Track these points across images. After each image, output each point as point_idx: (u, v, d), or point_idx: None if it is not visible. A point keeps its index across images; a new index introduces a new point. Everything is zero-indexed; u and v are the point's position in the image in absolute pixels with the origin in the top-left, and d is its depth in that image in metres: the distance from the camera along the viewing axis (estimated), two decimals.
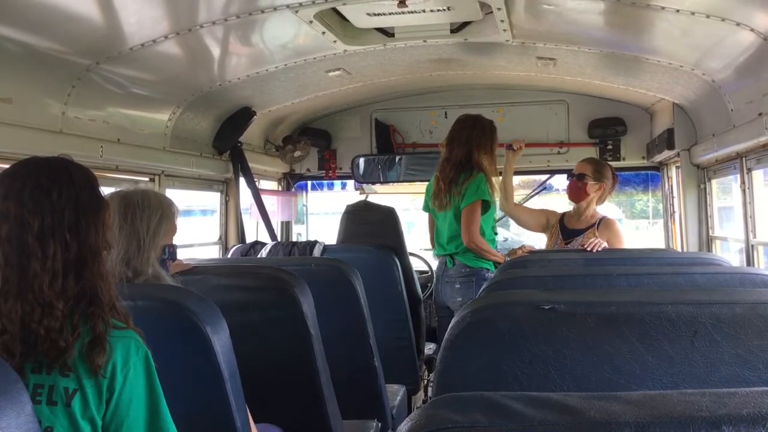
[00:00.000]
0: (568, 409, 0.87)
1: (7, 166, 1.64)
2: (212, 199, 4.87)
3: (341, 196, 7.58)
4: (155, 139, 3.81)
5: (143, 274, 2.06)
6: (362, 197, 5.72)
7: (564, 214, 4.43)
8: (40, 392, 1.47)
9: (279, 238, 5.38)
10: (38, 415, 1.37)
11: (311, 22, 3.18)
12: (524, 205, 5.00)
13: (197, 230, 5.39)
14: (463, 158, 4.07)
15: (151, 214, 2.13)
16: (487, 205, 4.03)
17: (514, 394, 0.92)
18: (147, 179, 3.84)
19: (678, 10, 2.82)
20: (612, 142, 5.30)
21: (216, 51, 3.56)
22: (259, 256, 4.21)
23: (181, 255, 3.93)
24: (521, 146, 4.47)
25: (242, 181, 4.83)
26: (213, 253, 4.79)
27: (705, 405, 0.85)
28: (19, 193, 1.52)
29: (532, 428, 0.84)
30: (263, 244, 4.43)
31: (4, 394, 1.20)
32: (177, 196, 4.37)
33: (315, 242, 4.23)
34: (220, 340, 1.80)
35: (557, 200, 6.19)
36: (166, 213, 2.19)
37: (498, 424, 0.86)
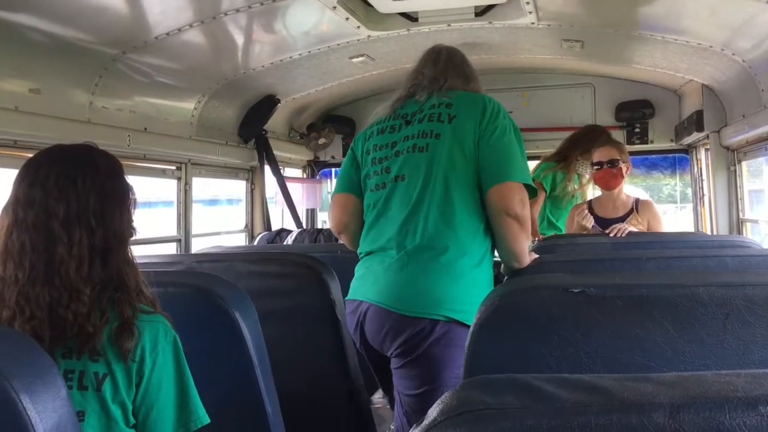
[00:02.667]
0: (601, 390, 0.86)
1: None
2: (238, 187, 4.90)
3: None
4: (181, 128, 3.84)
5: None
6: None
7: (590, 201, 4.25)
8: (71, 377, 1.49)
9: (304, 226, 5.40)
10: None
11: (335, 7, 3.17)
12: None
13: (223, 218, 5.44)
14: None
15: None
16: None
17: (545, 376, 0.91)
18: (174, 168, 3.87)
19: None
20: (639, 125, 5.23)
21: (240, 39, 3.57)
22: (284, 243, 4.23)
23: (207, 243, 3.99)
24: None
25: (267, 169, 4.86)
26: (239, 240, 4.83)
27: (740, 385, 0.84)
28: (44, 181, 1.54)
29: (564, 409, 0.84)
30: (289, 232, 4.45)
31: (40, 378, 1.22)
32: (203, 184, 4.42)
33: None
34: (250, 326, 1.81)
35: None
36: None
37: (530, 406, 0.85)
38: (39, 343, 1.36)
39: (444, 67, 2.63)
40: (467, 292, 2.21)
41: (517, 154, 2.32)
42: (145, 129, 3.45)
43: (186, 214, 3.94)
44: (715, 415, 0.81)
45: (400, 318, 2.20)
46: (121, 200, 1.62)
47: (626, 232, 3.46)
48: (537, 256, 2.44)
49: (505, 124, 2.34)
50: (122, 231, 1.60)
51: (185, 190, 3.94)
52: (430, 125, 2.37)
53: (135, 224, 1.66)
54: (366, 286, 2.33)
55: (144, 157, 3.55)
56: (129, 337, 1.50)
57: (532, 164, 4.48)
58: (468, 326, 1.68)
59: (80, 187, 1.55)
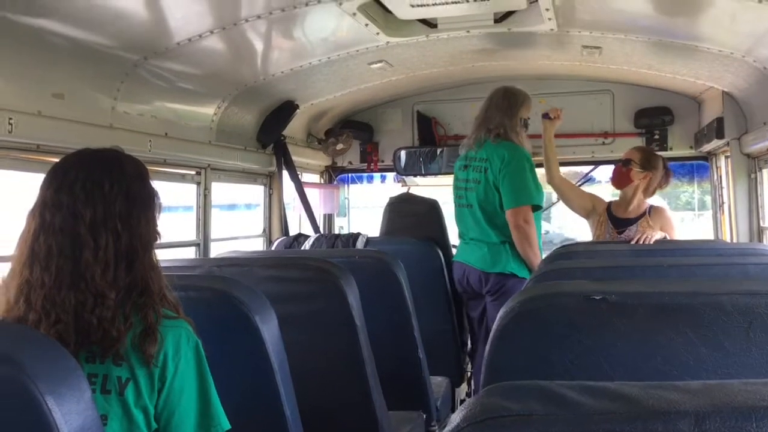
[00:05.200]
0: (626, 397, 0.85)
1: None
2: (256, 192, 4.92)
3: (381, 189, 7.59)
4: (201, 133, 3.87)
5: None
6: (404, 190, 5.72)
7: (610, 203, 4.36)
8: (94, 381, 1.50)
9: (322, 231, 5.41)
10: None
11: (354, 14, 3.18)
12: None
13: (242, 223, 5.47)
14: None
15: None
16: None
17: (569, 383, 0.91)
18: (194, 172, 3.90)
19: None
20: (659, 132, 5.20)
21: (259, 45, 3.60)
22: (302, 248, 4.24)
23: (226, 247, 4.00)
24: (558, 114, 4.39)
25: (285, 174, 4.88)
26: (257, 245, 4.85)
27: (767, 395, 0.83)
28: (71, 185, 1.55)
29: (589, 417, 0.84)
30: (306, 237, 4.46)
31: (65, 381, 1.23)
32: (222, 189, 4.45)
33: (358, 234, 4.25)
34: (269, 330, 1.82)
35: (602, 192, 6.09)
36: None
37: (554, 413, 0.85)
38: (64, 347, 1.37)
39: None
40: None
41: None
42: (166, 134, 3.47)
43: (205, 218, 3.96)
44: (741, 424, 0.80)
45: None
46: (147, 205, 1.63)
47: (653, 239, 3.45)
48: None
49: None
50: (147, 236, 1.61)
51: (204, 195, 3.96)
52: None
53: (159, 229, 1.67)
54: None
55: (165, 162, 3.58)
56: (152, 343, 1.51)
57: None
58: None
59: (107, 192, 1.56)
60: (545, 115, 4.39)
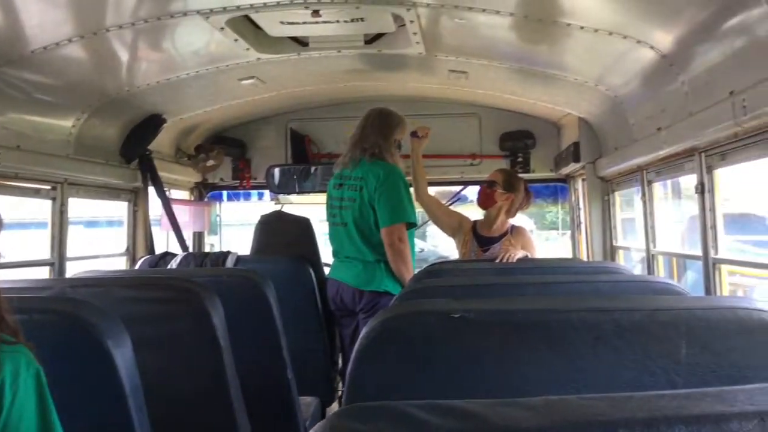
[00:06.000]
0: (471, 415, 0.87)
1: None
2: (120, 209, 4.70)
3: (259, 206, 7.48)
4: (58, 146, 3.66)
5: None
6: (278, 207, 5.66)
7: (476, 222, 4.50)
8: None
9: (191, 249, 5.24)
10: None
11: (223, 28, 3.13)
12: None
13: (103, 241, 5.21)
14: None
15: None
16: None
17: (419, 402, 0.92)
18: (48, 187, 3.67)
19: (582, 27, 2.93)
20: (522, 155, 5.45)
21: (124, 56, 3.45)
22: (168, 267, 4.09)
23: (86, 267, 3.79)
24: (426, 133, 4.49)
25: (152, 190, 4.70)
26: (120, 265, 4.62)
27: (602, 409, 0.87)
28: None
29: None
30: (173, 255, 4.31)
31: None
32: (82, 205, 4.21)
33: (228, 253, 4.15)
34: (122, 355, 1.73)
35: (471, 212, 6.30)
36: None
37: None
38: None
39: None
40: None
41: None
42: (18, 146, 3.25)
43: (61, 236, 3.73)
44: None
45: None
46: None
47: (515, 257, 3.60)
48: None
49: None
50: None
51: (61, 211, 3.73)
52: None
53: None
54: None
55: (16, 176, 3.34)
56: None
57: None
58: None
59: None
60: (414, 134, 4.48)
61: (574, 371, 1.56)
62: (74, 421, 1.58)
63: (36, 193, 3.61)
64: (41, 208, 3.77)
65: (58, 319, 1.71)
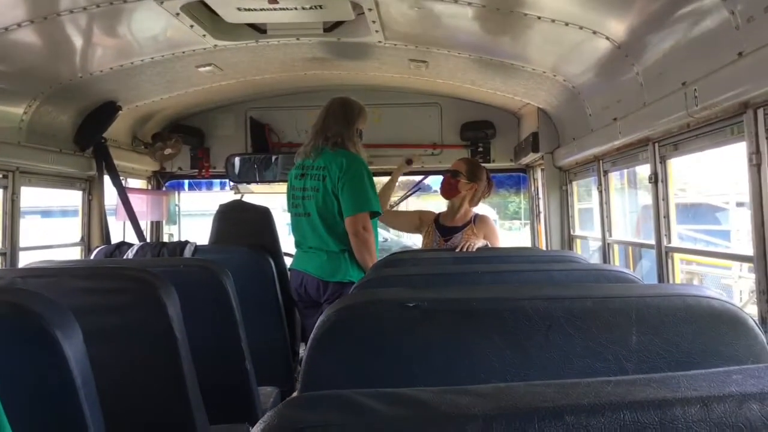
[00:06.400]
0: (420, 403, 0.87)
1: None
2: (74, 198, 4.61)
3: (220, 196, 7.40)
4: (8, 134, 3.56)
5: None
6: (237, 197, 5.61)
7: (439, 214, 4.52)
8: None
9: (148, 239, 5.17)
10: None
11: (178, 14, 3.07)
12: (396, 208, 5.12)
13: (57, 231, 5.10)
14: None
15: None
16: None
17: (368, 391, 0.92)
18: (0, 176, 3.58)
19: (539, 17, 2.95)
20: (482, 145, 5.48)
21: (77, 41, 3.37)
22: (124, 257, 4.02)
23: (39, 257, 3.71)
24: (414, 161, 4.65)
25: (108, 179, 4.61)
26: (75, 255, 4.54)
27: (549, 395, 0.88)
28: None
29: (383, 423, 0.84)
30: (130, 245, 4.24)
31: None
32: (35, 194, 4.12)
33: (186, 242, 4.10)
34: (72, 347, 1.69)
35: (432, 202, 6.33)
36: None
37: (351, 422, 0.85)
38: None
39: None
40: None
41: None
42: None
43: (12, 225, 3.64)
44: (524, 426, 0.84)
45: None
46: None
47: (475, 246, 3.60)
48: None
49: None
50: None
51: (12, 200, 3.64)
52: None
53: None
54: None
55: None
56: None
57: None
58: None
59: None
60: (409, 162, 4.60)
61: (526, 359, 1.58)
62: (25, 415, 1.55)
63: None
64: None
65: (6, 310, 1.67)
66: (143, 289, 2.39)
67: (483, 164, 5.08)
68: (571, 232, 4.71)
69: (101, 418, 1.79)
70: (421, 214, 4.59)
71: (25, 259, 3.73)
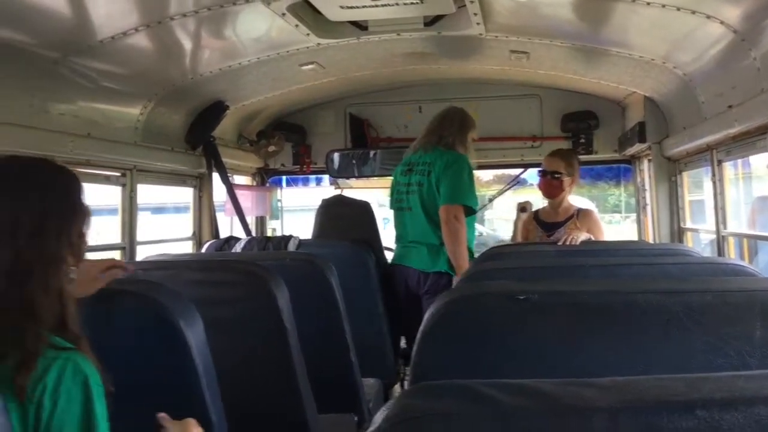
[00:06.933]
0: (542, 394, 0.87)
1: None
2: (185, 194, 4.82)
3: (317, 191, 7.55)
4: (126, 134, 3.76)
5: None
6: (337, 192, 5.71)
7: (537, 211, 4.46)
8: None
9: (253, 234, 5.34)
10: None
11: (284, 14, 3.15)
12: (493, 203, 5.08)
13: (170, 226, 5.34)
14: None
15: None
16: None
17: (488, 381, 0.92)
18: (119, 174, 3.79)
19: (649, 3, 2.84)
20: (585, 136, 5.33)
21: (187, 44, 3.52)
22: (233, 251, 4.18)
23: (154, 251, 3.91)
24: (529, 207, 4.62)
25: (216, 176, 4.79)
26: (186, 249, 4.75)
27: (679, 390, 0.86)
28: None
29: (506, 414, 0.85)
30: (237, 240, 4.40)
31: None
32: (149, 191, 4.33)
33: (290, 237, 4.21)
34: (194, 335, 1.78)
35: (531, 195, 6.23)
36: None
37: (472, 411, 0.86)
38: None
39: None
40: None
41: None
42: (89, 134, 3.36)
43: (131, 221, 3.85)
44: (653, 419, 0.82)
45: None
46: (62, 221, 1.50)
47: (579, 240, 3.51)
48: None
49: None
50: (54, 254, 1.48)
51: (130, 197, 3.85)
52: None
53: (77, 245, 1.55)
54: None
55: (87, 163, 3.46)
56: (25, 374, 1.35)
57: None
58: None
59: (15, 202, 1.46)
60: (523, 209, 4.56)
61: (642, 354, 1.54)
62: (148, 398, 1.63)
63: (106, 180, 3.73)
64: (111, 195, 3.90)
65: (134, 300, 1.77)
66: (254, 282, 2.48)
67: (584, 156, 4.97)
68: (681, 225, 4.53)
69: (221, 405, 1.88)
70: (525, 226, 4.48)
71: (141, 253, 3.94)
